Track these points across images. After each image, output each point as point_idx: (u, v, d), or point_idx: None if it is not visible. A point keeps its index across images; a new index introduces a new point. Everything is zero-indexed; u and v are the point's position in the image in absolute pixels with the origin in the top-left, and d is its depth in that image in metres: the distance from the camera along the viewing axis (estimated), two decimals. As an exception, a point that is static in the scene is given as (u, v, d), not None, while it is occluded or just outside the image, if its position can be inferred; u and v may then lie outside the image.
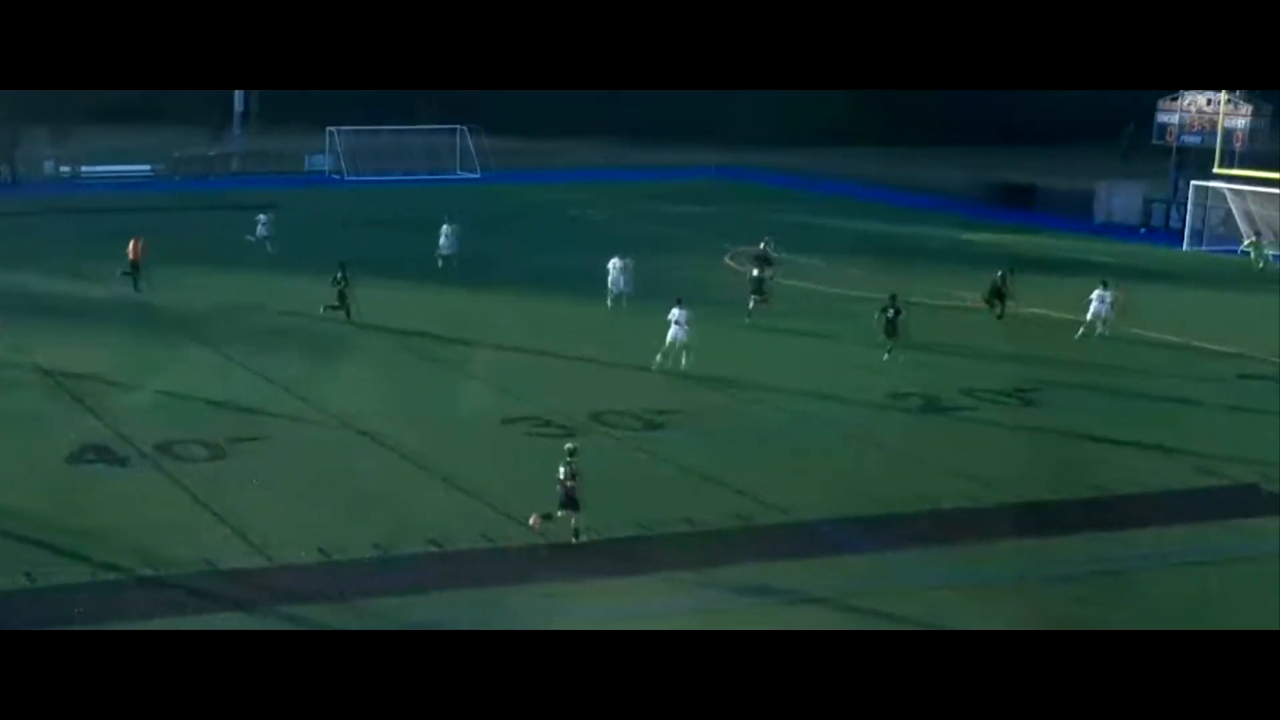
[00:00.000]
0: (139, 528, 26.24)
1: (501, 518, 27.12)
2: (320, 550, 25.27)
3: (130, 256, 49.69)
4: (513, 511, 27.25)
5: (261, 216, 59.26)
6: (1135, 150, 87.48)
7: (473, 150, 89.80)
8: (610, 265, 48.27)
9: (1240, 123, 68.18)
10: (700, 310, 40.73)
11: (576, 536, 25.98)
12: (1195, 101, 71.09)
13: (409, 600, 23.37)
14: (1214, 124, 68.63)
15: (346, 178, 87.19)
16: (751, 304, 46.41)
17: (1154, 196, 74.92)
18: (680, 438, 32.98)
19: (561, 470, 25.99)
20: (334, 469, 30.16)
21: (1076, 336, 44.48)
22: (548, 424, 33.78)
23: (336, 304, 44.60)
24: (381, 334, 43.47)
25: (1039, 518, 28.20)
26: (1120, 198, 75.65)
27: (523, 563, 25.12)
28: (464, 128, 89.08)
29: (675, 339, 39.49)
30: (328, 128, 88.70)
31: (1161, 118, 73.32)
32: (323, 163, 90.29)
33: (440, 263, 54.37)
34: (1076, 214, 74.00)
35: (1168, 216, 72.48)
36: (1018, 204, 79.29)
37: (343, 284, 44.66)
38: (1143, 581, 25.28)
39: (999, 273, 47.72)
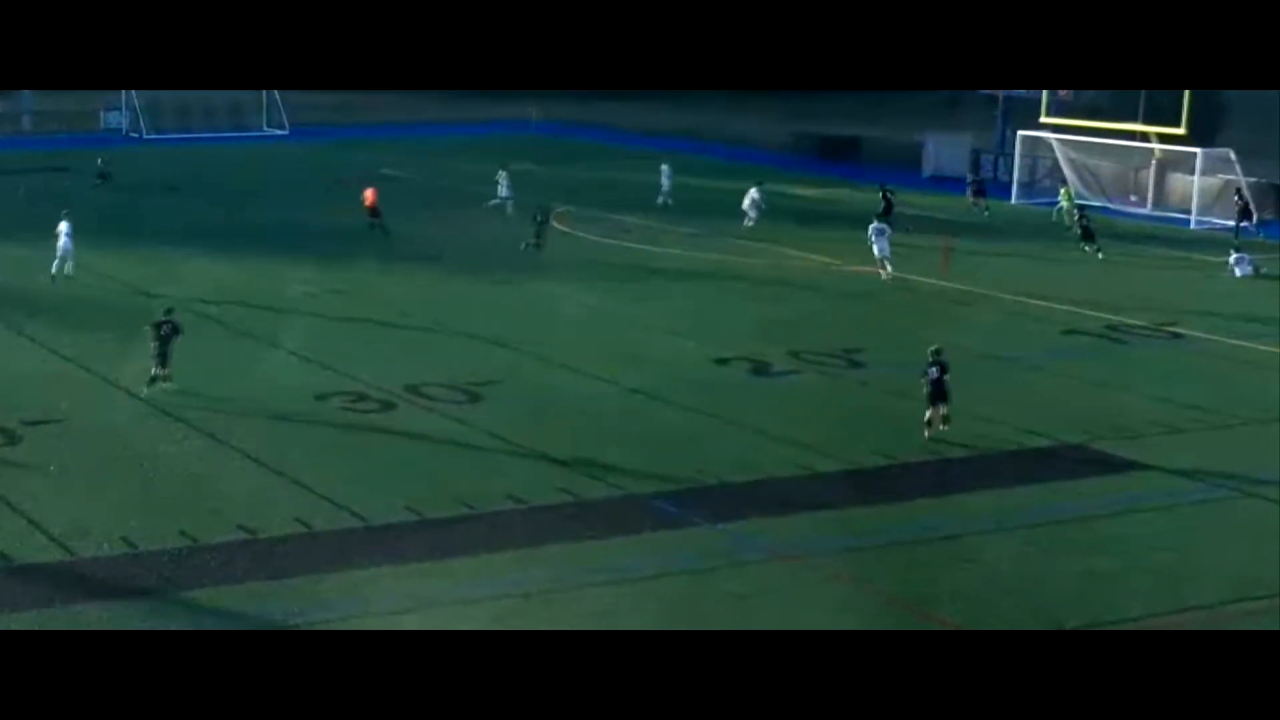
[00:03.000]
0: (-73, 521, 25.51)
1: (316, 499, 26.78)
2: (125, 540, 24.76)
3: (367, 204, 53.40)
4: (327, 493, 26.96)
5: (501, 174, 59.36)
6: (959, 100, 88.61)
7: (280, 105, 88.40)
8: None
9: (1066, 71, 69.22)
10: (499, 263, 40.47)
11: (945, 423, 30.52)
12: (1020, 50, 72.00)
13: (220, 591, 22.99)
14: (1039, 73, 69.64)
15: (145, 136, 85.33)
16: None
17: (981, 148, 75.98)
18: (502, 410, 32.75)
19: (933, 370, 30.36)
20: (137, 452, 29.45)
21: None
22: (361, 398, 33.41)
23: (535, 241, 50.14)
24: (188, 306, 42.58)
25: (870, 483, 28.58)
26: (948, 150, 76.53)
27: (338, 547, 24.84)
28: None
29: (881, 253, 47.55)
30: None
31: (987, 66, 74.14)
32: (119, 120, 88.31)
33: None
34: (903, 167, 74.34)
35: (995, 168, 73.51)
36: (841, 157, 79.76)
37: (542, 223, 50.61)
38: (975, 546, 25.71)
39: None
